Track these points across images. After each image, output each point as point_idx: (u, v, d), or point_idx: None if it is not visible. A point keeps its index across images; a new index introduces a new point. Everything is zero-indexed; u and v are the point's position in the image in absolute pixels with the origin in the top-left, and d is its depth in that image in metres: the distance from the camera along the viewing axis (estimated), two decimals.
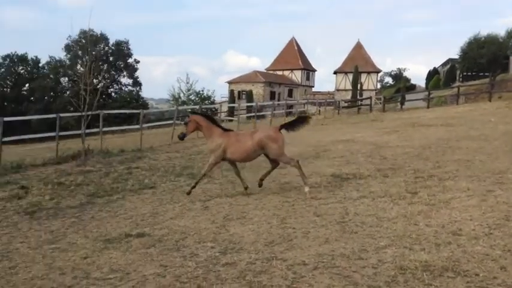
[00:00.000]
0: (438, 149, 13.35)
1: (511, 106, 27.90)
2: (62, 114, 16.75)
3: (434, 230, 6.06)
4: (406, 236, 5.89)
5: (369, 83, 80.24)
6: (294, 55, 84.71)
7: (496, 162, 10.68)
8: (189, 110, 47.99)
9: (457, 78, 59.03)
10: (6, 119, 13.67)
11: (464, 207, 7.03)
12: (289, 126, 9.24)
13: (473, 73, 53.07)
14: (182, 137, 9.06)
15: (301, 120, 9.22)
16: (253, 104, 35.00)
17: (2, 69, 68.24)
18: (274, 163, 9.24)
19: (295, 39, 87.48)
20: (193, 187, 8.92)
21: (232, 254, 5.53)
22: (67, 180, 10.85)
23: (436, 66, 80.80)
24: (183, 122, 9.25)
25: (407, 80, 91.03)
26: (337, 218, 6.93)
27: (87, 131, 16.18)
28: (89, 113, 13.91)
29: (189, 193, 8.85)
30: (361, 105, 50.91)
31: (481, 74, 51.13)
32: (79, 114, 14.09)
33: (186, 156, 14.94)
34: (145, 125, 31.31)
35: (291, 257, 5.30)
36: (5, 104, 66.24)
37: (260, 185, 9.19)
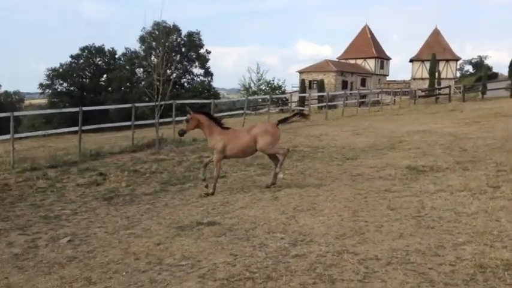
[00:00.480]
0: None
1: None
2: (137, 104, 17.29)
3: None
4: (486, 232, 5.58)
5: (448, 71, 76.80)
6: (367, 43, 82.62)
7: None
8: (260, 100, 48.55)
9: None
10: (84, 108, 14.30)
11: None
12: (286, 120, 9.28)
13: None
14: (182, 133, 9.18)
15: (299, 115, 9.26)
16: (325, 93, 34.52)
17: (81, 61, 71.42)
18: (275, 159, 9.09)
19: (368, 27, 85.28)
20: (213, 193, 8.58)
21: (302, 245, 5.45)
22: (142, 168, 11.21)
23: None
24: (184, 119, 9.09)
25: (489, 68, 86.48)
26: (412, 212, 6.67)
27: (161, 120, 16.62)
28: (162, 103, 14.24)
29: (212, 193, 8.54)
30: (439, 94, 48.90)
31: None
32: (153, 104, 14.46)
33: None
34: (216, 115, 31.89)
35: (363, 251, 5.14)
36: (84, 93, 69.49)
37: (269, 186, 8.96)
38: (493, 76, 77.96)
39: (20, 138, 18.87)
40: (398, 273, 4.52)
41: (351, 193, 8.02)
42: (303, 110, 38.13)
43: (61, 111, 28.67)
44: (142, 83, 60.59)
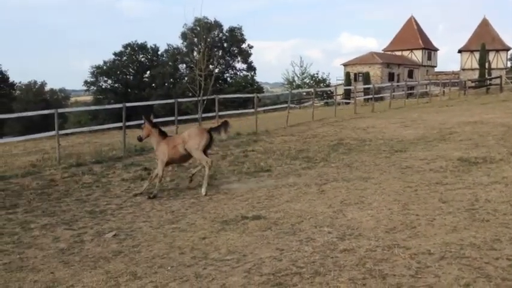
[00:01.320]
0: None
1: None
2: (179, 100, 17.36)
3: None
4: None
5: (498, 61, 74.01)
6: (413, 34, 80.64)
7: None
8: (304, 93, 48.19)
9: None
10: (128, 104, 14.44)
11: None
12: (217, 130, 9.03)
13: None
14: (140, 139, 9.28)
15: (225, 125, 9.06)
16: (370, 86, 33.86)
17: (124, 58, 72.80)
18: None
19: (414, 18, 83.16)
20: (154, 195, 8.25)
21: (351, 240, 5.28)
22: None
23: None
24: (141, 126, 9.31)
25: None
26: (465, 205, 6.38)
27: (205, 115, 16.65)
28: (205, 97, 14.24)
29: (154, 197, 8.19)
30: (490, 84, 47.26)
31: None
32: (196, 99, 14.47)
33: (302, 139, 14.80)
34: (260, 109, 31.82)
35: (415, 246, 4.94)
36: (129, 90, 70.92)
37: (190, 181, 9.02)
38: None
39: (66, 134, 19.36)
40: (453, 268, 4.32)
41: (400, 186, 7.77)
42: (426, 92, 37.31)
43: (104, 107, 29.23)
44: (185, 78, 61.15)
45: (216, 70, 68.79)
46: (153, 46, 74.31)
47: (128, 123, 13.86)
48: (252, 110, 20.78)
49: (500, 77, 46.29)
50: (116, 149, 13.35)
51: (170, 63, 71.05)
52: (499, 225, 5.44)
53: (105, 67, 70.29)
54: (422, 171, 8.87)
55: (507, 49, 77.60)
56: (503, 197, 6.61)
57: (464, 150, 10.63)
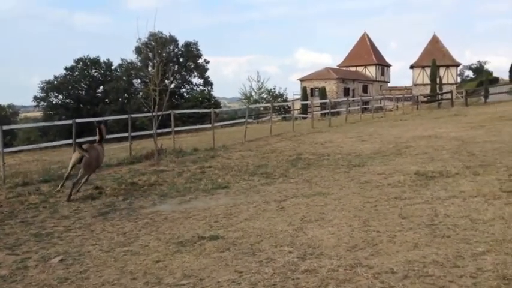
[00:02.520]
0: None
1: None
2: (133, 115, 16.96)
3: None
4: (506, 240, 5.26)
5: (448, 76, 76.75)
6: (366, 50, 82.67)
7: None
8: (262, 108, 48.27)
9: None
10: (78, 120, 13.92)
11: None
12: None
13: None
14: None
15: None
16: (327, 100, 34.20)
17: (76, 72, 71.09)
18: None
19: (367, 35, 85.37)
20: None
21: (312, 259, 5.09)
22: (140, 180, 10.81)
23: None
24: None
25: (490, 73, 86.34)
26: (425, 220, 6.32)
27: (161, 130, 16.26)
28: (159, 113, 13.89)
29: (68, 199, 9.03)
30: (442, 99, 48.73)
31: None
32: (150, 114, 14.09)
33: (260, 154, 14.65)
34: (217, 124, 31.58)
35: (377, 264, 4.80)
36: (81, 105, 69.20)
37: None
38: (494, 81, 77.85)
39: (15, 152, 18.50)
40: (417, 287, 4.20)
41: (360, 201, 7.67)
42: (381, 106, 37.91)
43: (52, 124, 28.29)
44: (140, 93, 60.33)
45: (172, 85, 68.13)
46: (106, 61, 72.93)
47: (79, 140, 13.31)
48: (210, 125, 20.57)
49: (451, 91, 47.77)
50: (66, 167, 12.73)
51: (124, 77, 69.78)
52: (460, 241, 5.38)
53: (55, 82, 68.39)
54: (381, 186, 8.82)
55: (457, 65, 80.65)
56: (462, 211, 6.60)
57: (421, 164, 10.70)
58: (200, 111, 35.21)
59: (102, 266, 5.38)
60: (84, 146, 9.93)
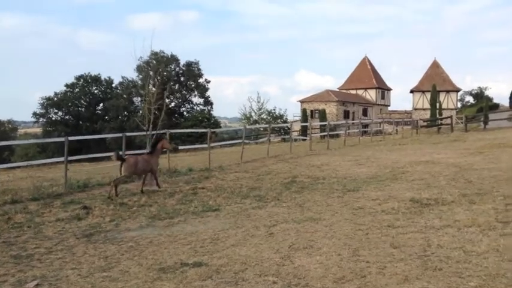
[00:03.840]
0: None
1: None
2: (128, 134, 16.79)
3: None
4: (499, 275, 5.06)
5: (448, 101, 76.86)
6: (367, 74, 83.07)
7: None
8: (262, 129, 48.22)
9: None
10: (70, 138, 13.70)
11: None
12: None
13: None
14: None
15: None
16: (326, 123, 34.13)
17: (77, 89, 71.24)
18: None
19: (368, 58, 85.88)
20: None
21: None
22: (130, 200, 10.60)
23: None
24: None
25: (490, 98, 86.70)
26: (417, 250, 6.11)
27: None
28: (153, 132, 13.73)
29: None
30: (441, 124, 48.71)
31: None
32: (144, 133, 13.93)
33: (255, 176, 14.46)
34: (216, 144, 31.44)
35: None
36: (80, 122, 69.21)
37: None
38: (494, 107, 78.16)
39: (9, 168, 18.32)
40: None
41: (351, 229, 7.46)
42: (380, 130, 37.86)
43: (44, 141, 27.94)
44: (140, 111, 60.37)
45: (172, 104, 68.24)
46: (107, 78, 73.21)
47: (76, 157, 13.18)
48: (212, 144, 20.45)
49: (450, 117, 47.76)
50: (58, 185, 12.58)
51: (125, 95, 69.84)
52: (452, 274, 5.18)
53: (55, 98, 68.55)
54: (374, 212, 8.62)
55: (457, 90, 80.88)
56: (455, 242, 6.39)
57: (416, 191, 10.50)
58: (197, 131, 35.06)
59: None
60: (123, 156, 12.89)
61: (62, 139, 13.45)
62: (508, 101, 77.22)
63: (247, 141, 16.00)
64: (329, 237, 7.00)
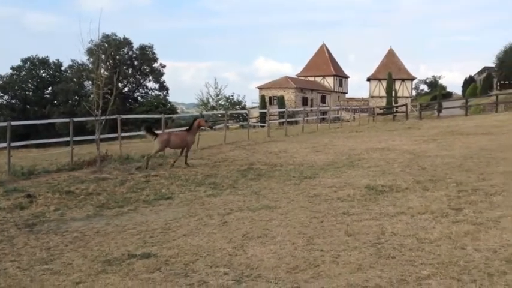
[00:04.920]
0: (481, 160, 12.34)
1: None
2: (75, 119, 16.09)
3: (484, 255, 5.20)
4: (452, 263, 5.03)
5: (404, 90, 78.58)
6: (325, 61, 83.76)
7: None
8: (220, 115, 47.84)
9: (494, 86, 57.18)
10: (13, 123, 13.11)
11: None
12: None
13: (511, 82, 51.32)
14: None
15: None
16: (284, 109, 34.10)
17: (23, 72, 68.73)
18: None
19: (325, 46, 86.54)
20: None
21: (248, 282, 4.71)
22: (78, 188, 10.14)
23: (472, 75, 78.74)
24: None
25: (443, 87, 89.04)
26: (371, 238, 6.04)
27: (106, 136, 15.57)
28: (103, 118, 13.21)
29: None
30: (397, 112, 49.67)
31: None
32: (92, 119, 13.38)
33: (211, 163, 14.21)
34: (172, 130, 30.87)
35: None
36: (28, 107, 66.95)
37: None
38: (448, 95, 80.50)
39: None
40: None
41: (306, 216, 7.35)
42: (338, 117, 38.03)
43: None
44: (91, 96, 58.78)
45: (126, 89, 66.77)
46: (56, 61, 70.77)
47: (21, 143, 12.55)
48: (166, 131, 19.94)
49: (406, 104, 48.74)
50: (0, 172, 11.96)
51: (74, 79, 67.69)
52: (405, 262, 5.11)
53: (1, 82, 65.88)
54: (330, 199, 8.54)
55: (412, 79, 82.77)
56: (409, 229, 6.36)
57: (372, 178, 10.50)
58: (151, 116, 34.28)
59: (15, 286, 4.82)
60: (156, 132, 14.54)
61: (4, 124, 12.78)
62: (461, 89, 79.56)
63: (203, 128, 15.73)
64: (284, 226, 6.86)
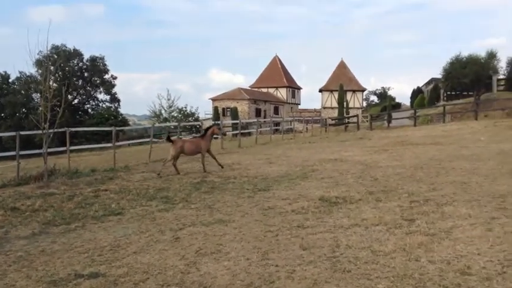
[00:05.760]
0: (431, 170, 12.62)
1: (498, 124, 27.53)
2: (22, 132, 15.48)
3: (438, 267, 5.22)
4: (407, 275, 5.02)
5: (355, 101, 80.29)
6: (278, 73, 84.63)
7: (495, 185, 9.97)
8: (173, 127, 47.31)
9: (441, 97, 59.19)
10: None
11: (469, 239, 6.21)
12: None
13: (457, 92, 53.40)
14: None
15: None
16: (238, 121, 34.06)
17: None
18: None
19: (278, 58, 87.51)
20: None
21: None
22: (24, 204, 9.67)
23: (420, 86, 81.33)
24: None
25: (393, 98, 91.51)
26: (326, 251, 5.99)
27: (55, 149, 15.03)
28: (51, 131, 12.72)
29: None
30: (348, 123, 50.62)
31: (465, 93, 51.63)
32: (40, 132, 12.87)
33: (163, 176, 13.89)
34: (124, 142, 30.27)
35: None
36: None
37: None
38: (397, 106, 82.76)
39: None
40: None
41: (261, 230, 7.23)
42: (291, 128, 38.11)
43: None
44: (40, 108, 56.94)
45: (76, 101, 65.12)
46: (3, 73, 68.10)
47: None
48: (117, 144, 19.49)
49: (357, 115, 49.77)
50: None
51: (22, 91, 65.30)
52: (360, 276, 5.07)
53: None
54: (285, 212, 8.46)
55: (362, 90, 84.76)
56: (363, 241, 6.35)
57: (326, 189, 10.52)
58: (100, 129, 33.49)
59: None
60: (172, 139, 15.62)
61: None
62: (409, 100, 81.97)
63: (156, 140, 15.39)
64: (238, 241, 6.72)
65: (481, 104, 41.12)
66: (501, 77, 49.34)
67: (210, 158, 15.63)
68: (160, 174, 13.87)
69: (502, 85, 48.88)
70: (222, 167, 15.01)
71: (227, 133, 45.39)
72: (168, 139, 15.26)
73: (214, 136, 16.26)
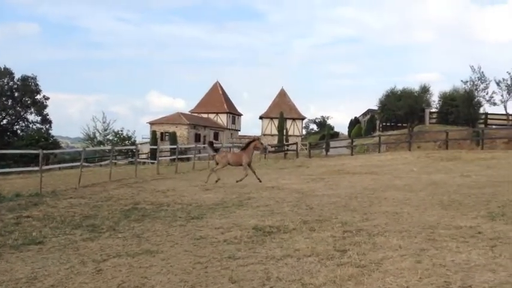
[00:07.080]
0: (365, 199, 12.76)
1: (430, 156, 28.61)
2: None
3: None
4: None
5: (295, 128, 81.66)
6: (218, 99, 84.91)
7: (425, 216, 10.15)
8: (107, 151, 45.99)
9: (377, 127, 61.13)
10: None
11: (399, 271, 6.16)
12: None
13: (392, 124, 55.29)
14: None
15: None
16: (175, 146, 33.55)
17: None
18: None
19: (219, 84, 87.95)
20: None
21: None
22: None
23: (357, 116, 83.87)
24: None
25: (331, 127, 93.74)
26: (256, 284, 5.78)
27: None
28: None
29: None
30: (288, 150, 51.17)
31: (399, 124, 53.53)
32: None
33: (92, 202, 13.28)
34: (55, 166, 29.00)
35: None
36: None
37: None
38: (335, 135, 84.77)
39: None
40: None
41: (190, 262, 6.92)
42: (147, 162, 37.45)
43: None
44: None
45: (4, 121, 62.41)
46: None
47: None
48: (45, 167, 18.57)
49: (296, 143, 50.43)
50: None
51: None
52: None
53: None
54: (216, 242, 8.19)
55: (302, 118, 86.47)
56: (294, 273, 6.18)
57: (260, 218, 10.35)
58: (29, 152, 32.01)
59: None
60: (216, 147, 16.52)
61: None
62: (347, 129, 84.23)
63: (86, 164, 14.76)
64: (164, 273, 6.37)
65: (415, 135, 42.82)
66: (433, 110, 51.56)
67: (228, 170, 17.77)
68: (207, 182, 16.08)
69: (434, 118, 51.09)
70: (260, 181, 16.69)
71: (268, 147, 45.46)
72: (212, 146, 17.40)
73: (256, 149, 18.03)
